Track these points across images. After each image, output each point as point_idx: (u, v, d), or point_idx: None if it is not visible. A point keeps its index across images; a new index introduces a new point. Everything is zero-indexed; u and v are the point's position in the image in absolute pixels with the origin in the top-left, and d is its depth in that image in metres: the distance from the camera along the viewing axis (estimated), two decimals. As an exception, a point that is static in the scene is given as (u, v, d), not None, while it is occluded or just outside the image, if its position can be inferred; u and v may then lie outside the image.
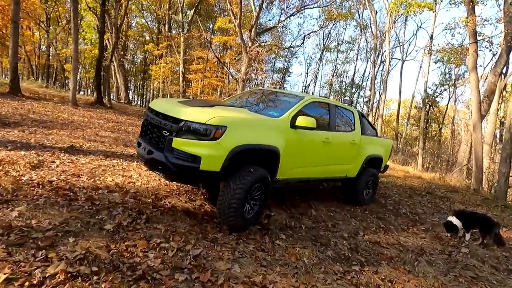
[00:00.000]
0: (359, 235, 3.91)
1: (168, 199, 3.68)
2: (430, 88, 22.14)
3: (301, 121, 3.62)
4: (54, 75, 33.17)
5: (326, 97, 5.56)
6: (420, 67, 24.39)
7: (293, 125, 3.67)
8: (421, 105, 21.41)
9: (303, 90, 33.79)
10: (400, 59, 24.43)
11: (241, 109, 3.76)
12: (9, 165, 3.72)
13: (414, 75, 61.36)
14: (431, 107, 23.79)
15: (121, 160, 5.11)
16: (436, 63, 19.38)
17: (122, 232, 2.64)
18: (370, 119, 22.00)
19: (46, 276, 1.83)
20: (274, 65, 33.37)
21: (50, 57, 31.17)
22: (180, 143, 2.97)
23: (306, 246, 3.19)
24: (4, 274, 1.73)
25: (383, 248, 3.58)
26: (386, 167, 6.22)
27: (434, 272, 3.13)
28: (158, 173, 3.24)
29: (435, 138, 25.51)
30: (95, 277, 1.91)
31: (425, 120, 21.90)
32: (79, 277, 1.87)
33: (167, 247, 2.54)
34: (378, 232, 4.14)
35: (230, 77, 22.60)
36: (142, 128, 3.60)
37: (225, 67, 21.50)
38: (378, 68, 25.67)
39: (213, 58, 22.87)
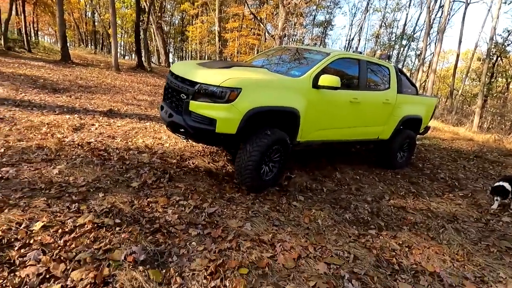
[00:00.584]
0: (384, 199, 3.78)
1: (193, 160, 3.87)
2: (500, 35, 18.82)
3: (323, 80, 3.39)
4: (101, 41, 35.00)
5: (360, 53, 5.06)
6: (489, 10, 20.60)
7: (315, 85, 3.46)
8: (485, 56, 18.52)
9: (346, 45, 31.25)
10: (463, 2, 20.84)
11: (260, 70, 3.62)
12: (55, 128, 4.16)
13: (478, 22, 52.35)
14: (498, 58, 20.50)
15: (154, 122, 5.40)
16: (509, 3, 16.16)
17: (146, 190, 2.89)
18: (420, 74, 19.84)
19: (77, 225, 2.10)
20: (314, 18, 30.93)
21: (96, 23, 32.62)
22: (197, 106, 3.01)
23: (323, 209, 3.19)
24: (42, 222, 2.03)
25: (408, 214, 3.44)
26: (427, 128, 5.70)
27: (462, 240, 2.96)
28: (180, 135, 3.38)
29: (499, 94, 22.34)
30: (117, 228, 2.16)
31: (489, 74, 19.10)
32: (103, 228, 2.13)
33: (185, 204, 2.73)
34: (406, 197, 3.95)
35: (267, 34, 21.62)
36: (165, 91, 3.70)
37: (261, 24, 20.50)
38: (435, 15, 22.36)
39: (249, 14, 21.83)
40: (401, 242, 2.76)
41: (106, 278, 1.69)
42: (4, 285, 1.53)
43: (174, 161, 3.70)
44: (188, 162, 3.76)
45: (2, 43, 15.80)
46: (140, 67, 15.76)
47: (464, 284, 2.29)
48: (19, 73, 8.89)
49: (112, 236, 2.06)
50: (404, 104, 4.78)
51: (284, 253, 2.26)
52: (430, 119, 5.58)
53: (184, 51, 39.24)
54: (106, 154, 3.57)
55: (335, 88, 3.44)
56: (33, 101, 5.62)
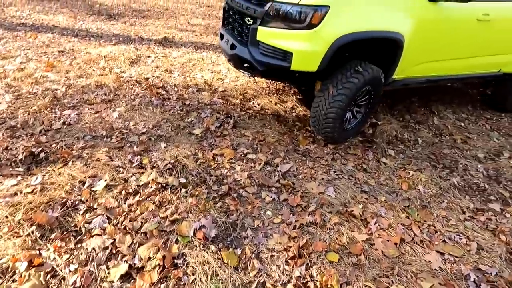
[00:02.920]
0: (502, 156, 2.90)
1: (257, 99, 3.34)
2: None
3: (449, -12, 2.30)
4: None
5: None
6: None
7: (433, -3, 2.40)
8: None
9: None
10: None
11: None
12: (113, 61, 3.89)
13: None
14: None
15: (211, 52, 4.83)
16: None
17: (210, 138, 2.53)
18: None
19: (140, 184, 1.87)
20: None
21: None
22: (266, 35, 2.31)
23: (423, 169, 2.52)
24: (105, 180, 1.83)
25: (542, 181, 2.58)
26: None
27: None
28: (244, 72, 2.79)
29: None
30: (183, 190, 1.88)
31: None
32: (168, 189, 1.87)
33: (255, 159, 2.33)
34: (534, 155, 2.99)
35: None
36: (224, 14, 2.99)
37: None
38: None
39: None
40: (538, 225, 2.06)
41: (175, 259, 1.45)
42: (71, 261, 1.38)
43: (237, 101, 3.22)
44: (253, 103, 3.25)
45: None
46: (192, -15, 14.39)
47: None
48: (76, -2, 8.68)
49: (178, 201, 1.79)
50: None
51: (381, 233, 1.79)
52: None
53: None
54: (164, 92, 3.23)
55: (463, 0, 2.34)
56: (90, 29, 5.39)
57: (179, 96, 3.19)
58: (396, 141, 2.96)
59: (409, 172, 2.43)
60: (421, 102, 3.83)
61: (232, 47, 2.66)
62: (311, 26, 2.14)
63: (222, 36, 2.96)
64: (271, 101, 3.34)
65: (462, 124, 3.47)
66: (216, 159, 2.27)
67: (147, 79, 3.51)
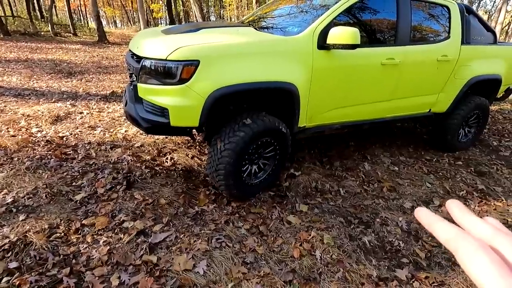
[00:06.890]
0: (432, 205, 2.62)
1: (174, 153, 3.13)
2: None
3: (334, 36, 2.24)
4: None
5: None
6: None
7: (322, 45, 2.33)
8: None
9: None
10: None
11: (241, 30, 2.58)
12: (34, 120, 3.76)
13: None
14: None
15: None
16: None
17: (91, 204, 2.26)
18: (502, 16, 15.71)
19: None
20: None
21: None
22: (145, 91, 2.19)
23: (331, 227, 2.22)
24: None
25: (469, 233, 2.26)
26: (509, 91, 4.04)
27: None
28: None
29: None
30: (4, 279, 1.56)
31: None
32: (-15, 279, 1.55)
33: (129, 228, 2.04)
34: (468, 200, 2.71)
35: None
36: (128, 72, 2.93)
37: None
38: None
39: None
40: (450, 296, 1.71)
41: None
42: None
43: (148, 157, 3.01)
44: (166, 158, 3.04)
45: (50, 29, 16.68)
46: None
47: None
48: (48, 58, 9.00)
49: (-14, 296, 1.46)
50: (473, 60, 3.28)
51: (239, 325, 1.44)
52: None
53: (223, 19, 37.86)
54: (72, 151, 3.04)
55: (353, 47, 2.26)
56: (37, 88, 5.41)
57: (86, 155, 2.98)
58: (316, 193, 2.69)
59: (310, 233, 2.12)
60: (358, 146, 3.65)
61: (126, 104, 2.53)
62: (182, 80, 2.01)
63: (124, 92, 2.86)
64: (188, 155, 3.13)
65: (397, 168, 3.24)
66: (80, 231, 1.97)
67: (61, 137, 3.34)
